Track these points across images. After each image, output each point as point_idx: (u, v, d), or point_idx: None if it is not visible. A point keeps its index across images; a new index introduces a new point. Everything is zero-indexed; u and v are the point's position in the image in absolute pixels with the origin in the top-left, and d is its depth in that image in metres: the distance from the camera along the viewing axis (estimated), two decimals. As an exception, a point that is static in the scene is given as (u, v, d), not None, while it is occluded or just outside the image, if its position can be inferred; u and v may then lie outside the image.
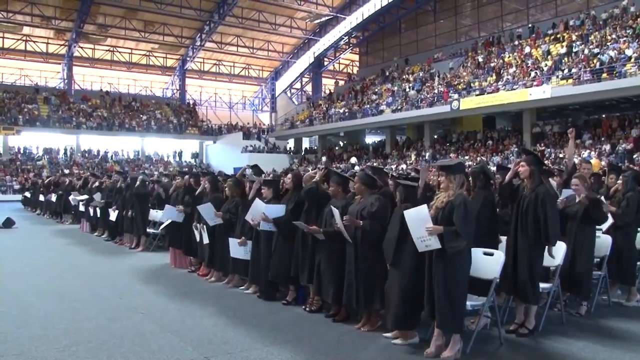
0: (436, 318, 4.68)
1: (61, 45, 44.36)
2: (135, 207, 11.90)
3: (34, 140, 41.14)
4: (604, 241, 6.42)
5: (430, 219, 4.66)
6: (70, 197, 17.14)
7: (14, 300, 6.98)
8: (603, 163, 21.15)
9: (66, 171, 35.69)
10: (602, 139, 25.95)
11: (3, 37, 42.49)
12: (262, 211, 6.87)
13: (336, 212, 5.64)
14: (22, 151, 40.42)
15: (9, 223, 16.89)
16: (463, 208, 4.63)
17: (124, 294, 7.42)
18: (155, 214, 11.81)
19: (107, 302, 6.88)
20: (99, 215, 14.24)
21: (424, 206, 4.75)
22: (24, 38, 43.12)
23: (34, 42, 43.70)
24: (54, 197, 19.92)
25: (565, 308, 6.10)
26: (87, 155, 42.10)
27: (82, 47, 45.24)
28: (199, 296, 7.26)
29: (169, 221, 9.65)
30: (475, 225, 4.83)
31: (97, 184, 15.79)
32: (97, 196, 14.37)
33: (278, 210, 6.80)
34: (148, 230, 11.78)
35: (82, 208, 15.60)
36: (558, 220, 5.43)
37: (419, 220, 4.70)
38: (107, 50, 46.73)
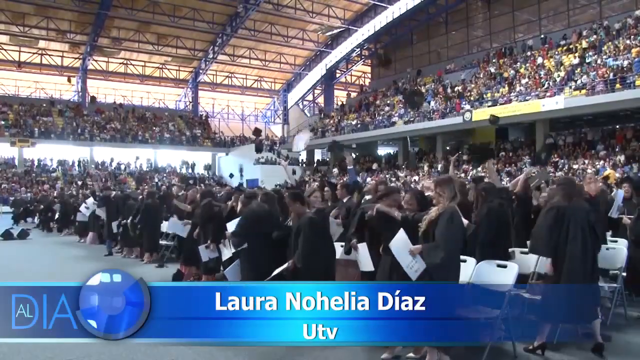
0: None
1: (76, 58, 44.84)
2: (146, 220, 11.87)
3: (49, 152, 41.50)
4: (619, 253, 6.35)
5: (409, 242, 4.64)
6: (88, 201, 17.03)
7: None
8: (617, 175, 20.96)
9: (79, 183, 36.03)
10: (617, 149, 25.72)
11: (19, 51, 43.02)
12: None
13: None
14: (36, 163, 40.74)
15: (23, 234, 17.22)
16: (446, 220, 4.62)
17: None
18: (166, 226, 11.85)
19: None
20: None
21: (401, 230, 4.72)
22: (40, 52, 43.65)
23: (50, 55, 44.22)
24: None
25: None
26: (100, 167, 42.39)
27: (96, 60, 45.68)
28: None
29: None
30: (483, 235, 4.78)
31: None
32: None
33: None
34: (160, 242, 11.77)
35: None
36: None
37: (402, 248, 4.69)
38: (120, 63, 47.12)
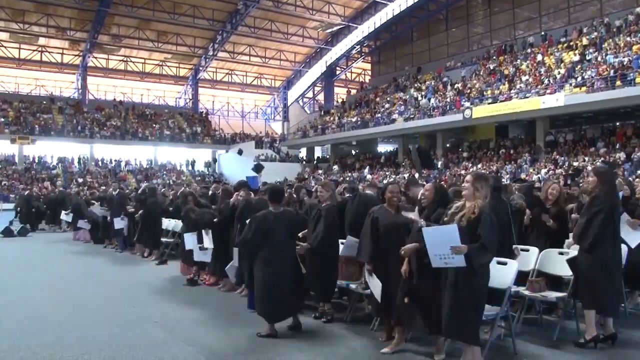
0: (457, 330, 4.51)
1: (76, 55, 44.81)
2: (148, 218, 11.85)
3: (49, 150, 41.43)
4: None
5: (459, 240, 4.38)
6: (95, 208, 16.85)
7: (28, 308, 7.04)
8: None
9: (80, 180, 36.01)
10: (617, 147, 25.68)
11: (19, 48, 43.00)
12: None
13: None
14: (37, 160, 40.66)
15: (24, 231, 17.35)
16: (490, 219, 4.48)
17: (137, 302, 7.45)
18: (168, 223, 11.84)
19: (120, 311, 6.92)
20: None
21: (455, 226, 4.47)
22: (40, 49, 43.62)
23: (49, 52, 44.19)
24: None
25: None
26: (100, 164, 42.35)
27: (96, 57, 45.66)
28: (212, 305, 7.28)
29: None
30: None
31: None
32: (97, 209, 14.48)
33: None
34: (162, 239, 11.76)
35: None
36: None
37: (444, 239, 4.43)
38: (120, 60, 47.12)
